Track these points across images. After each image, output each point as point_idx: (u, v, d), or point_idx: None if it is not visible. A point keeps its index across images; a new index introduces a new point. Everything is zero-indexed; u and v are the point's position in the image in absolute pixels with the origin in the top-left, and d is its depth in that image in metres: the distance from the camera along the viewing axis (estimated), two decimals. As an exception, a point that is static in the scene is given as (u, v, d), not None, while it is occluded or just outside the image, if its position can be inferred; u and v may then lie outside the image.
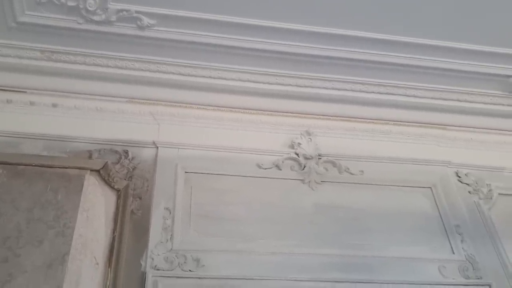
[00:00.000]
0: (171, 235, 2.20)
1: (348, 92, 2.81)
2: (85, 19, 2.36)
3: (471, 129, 2.98)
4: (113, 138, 2.50)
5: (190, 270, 2.12)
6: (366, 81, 2.80)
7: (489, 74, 2.81)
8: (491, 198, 2.71)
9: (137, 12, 2.36)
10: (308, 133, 2.72)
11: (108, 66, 2.57)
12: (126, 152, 2.45)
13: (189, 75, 2.64)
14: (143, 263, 2.11)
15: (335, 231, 2.39)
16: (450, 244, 2.46)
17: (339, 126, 2.83)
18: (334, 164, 2.66)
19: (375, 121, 2.88)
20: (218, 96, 2.72)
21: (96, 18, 2.36)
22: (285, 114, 2.78)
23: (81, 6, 2.31)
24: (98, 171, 2.33)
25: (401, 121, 2.91)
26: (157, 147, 2.51)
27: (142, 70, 2.61)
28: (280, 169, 2.58)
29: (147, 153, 2.49)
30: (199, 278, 2.10)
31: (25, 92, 2.54)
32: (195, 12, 2.40)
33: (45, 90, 2.56)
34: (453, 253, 2.44)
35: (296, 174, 2.58)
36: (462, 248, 2.45)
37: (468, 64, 2.75)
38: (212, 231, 2.26)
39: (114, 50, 2.54)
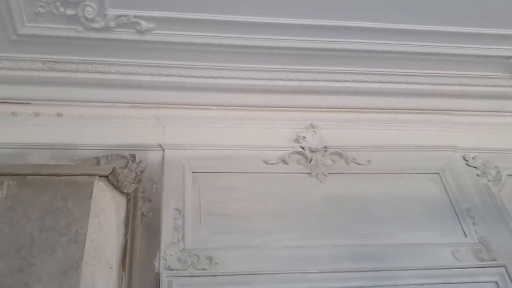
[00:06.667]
0: (183, 235, 2.22)
1: (350, 83, 2.80)
2: (84, 27, 2.37)
3: (476, 112, 2.97)
4: (119, 143, 2.51)
5: (203, 269, 2.13)
6: (367, 71, 2.78)
7: (490, 56, 2.79)
8: (500, 180, 2.71)
9: (135, 16, 2.36)
10: (313, 126, 2.72)
11: (110, 73, 2.58)
12: (133, 156, 2.47)
13: (190, 76, 2.65)
14: (156, 264, 2.12)
15: (345, 221, 2.39)
16: (462, 228, 2.46)
17: (343, 117, 2.83)
18: (340, 155, 2.67)
19: (379, 110, 2.88)
20: (220, 95, 2.72)
21: (95, 25, 2.36)
22: (288, 109, 2.78)
23: (80, 14, 2.31)
24: (106, 176, 2.35)
25: (405, 109, 2.90)
26: (164, 149, 2.52)
27: (144, 74, 2.62)
28: (287, 164, 2.59)
29: (154, 156, 2.50)
30: (212, 276, 2.11)
31: (29, 103, 2.55)
32: (192, 13, 2.39)
33: (49, 100, 2.57)
34: (466, 236, 2.43)
35: (303, 168, 2.59)
36: (474, 231, 2.44)
37: (468, 47, 2.72)
38: (222, 229, 2.28)
39: (115, 56, 2.54)
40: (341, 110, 2.84)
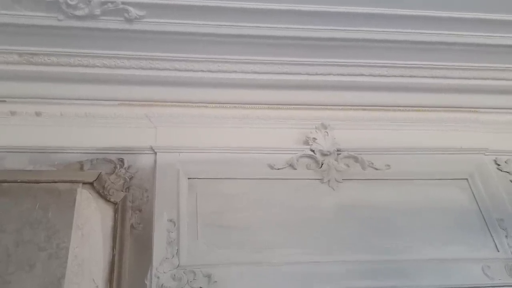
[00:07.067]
0: (177, 249, 2.21)
1: (366, 77, 2.79)
2: (66, 14, 2.35)
3: (508, 110, 2.97)
4: (106, 146, 2.52)
5: (201, 288, 2.14)
6: (386, 63, 2.77)
7: (526, 47, 2.77)
8: (537, 187, 2.71)
9: (123, 3, 2.34)
10: (324, 126, 2.72)
11: (95, 66, 2.57)
12: (121, 160, 2.48)
13: (186, 70, 2.64)
14: (148, 283, 2.11)
15: (362, 234, 2.40)
16: (494, 241, 2.46)
17: (359, 116, 2.84)
18: (356, 159, 2.67)
19: (400, 108, 2.88)
20: (220, 91, 2.72)
21: (78, 12, 2.34)
22: (296, 106, 2.79)
23: (61, 0, 2.29)
24: (91, 183, 2.36)
25: (428, 106, 2.90)
26: (156, 153, 2.53)
27: (134, 68, 2.61)
28: (295, 169, 2.59)
29: (145, 160, 2.51)
30: (211, 295, 2.12)
31: (4, 101, 2.56)
32: (188, -1, 2.40)
33: (26, 97, 2.57)
34: (498, 250, 2.43)
35: (313, 173, 2.60)
36: (508, 245, 2.44)
37: (500, 36, 2.70)
38: (223, 242, 2.28)
39: (101, 48, 2.53)
40: (357, 108, 2.85)
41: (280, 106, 2.78)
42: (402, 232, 2.43)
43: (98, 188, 2.35)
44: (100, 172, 2.39)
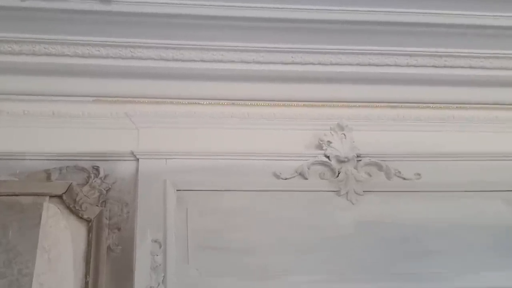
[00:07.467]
0: (164, 276, 2.19)
1: (391, 67, 2.78)
2: (29, -7, 2.35)
3: None
4: (77, 151, 2.51)
5: (192, 324, 2.11)
6: (415, 51, 2.76)
7: None
8: None
9: (97, -21, 2.36)
10: (341, 127, 2.70)
11: (65, 55, 2.56)
12: (97, 168, 2.46)
13: (174, 59, 2.64)
14: (128, 317, 2.09)
15: (386, 257, 2.38)
16: (547, 266, 2.38)
17: (383, 114, 2.82)
18: (379, 167, 2.66)
19: (432, 105, 2.87)
20: (215, 85, 2.72)
21: (43, -9, 2.35)
22: (307, 103, 2.77)
23: (23, -24, 2.31)
24: (60, 196, 2.35)
25: (467, 103, 2.89)
26: (138, 159, 2.53)
27: (112, 57, 2.61)
28: (306, 178, 2.58)
29: (125, 168, 2.51)
30: (205, 334, 2.10)
31: (-45, 98, 2.54)
32: (176, -26, 2.38)
33: (-19, 93, 2.55)
34: (552, 278, 2.38)
35: (328, 184, 2.58)
36: None
37: None
38: (218, 268, 2.26)
39: (72, 33, 2.53)
40: (380, 105, 2.83)
41: (288, 103, 2.77)
42: (434, 255, 2.41)
43: (69, 202, 2.34)
44: (71, 183, 2.39)
